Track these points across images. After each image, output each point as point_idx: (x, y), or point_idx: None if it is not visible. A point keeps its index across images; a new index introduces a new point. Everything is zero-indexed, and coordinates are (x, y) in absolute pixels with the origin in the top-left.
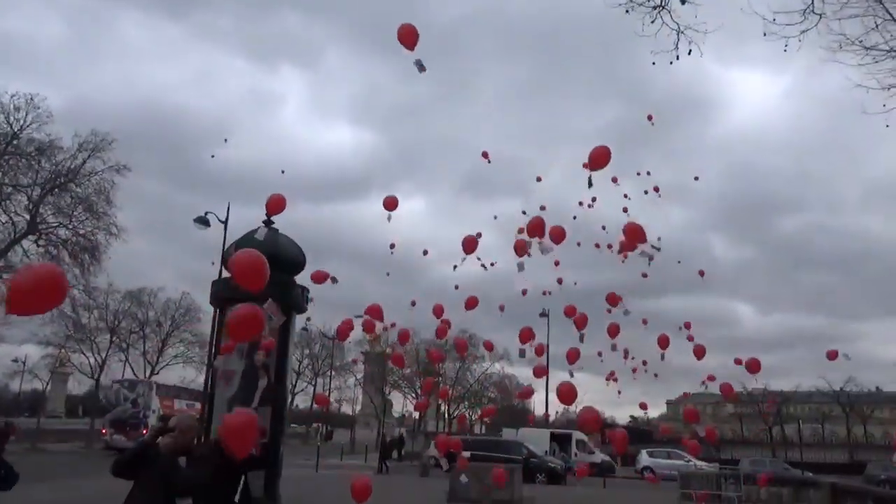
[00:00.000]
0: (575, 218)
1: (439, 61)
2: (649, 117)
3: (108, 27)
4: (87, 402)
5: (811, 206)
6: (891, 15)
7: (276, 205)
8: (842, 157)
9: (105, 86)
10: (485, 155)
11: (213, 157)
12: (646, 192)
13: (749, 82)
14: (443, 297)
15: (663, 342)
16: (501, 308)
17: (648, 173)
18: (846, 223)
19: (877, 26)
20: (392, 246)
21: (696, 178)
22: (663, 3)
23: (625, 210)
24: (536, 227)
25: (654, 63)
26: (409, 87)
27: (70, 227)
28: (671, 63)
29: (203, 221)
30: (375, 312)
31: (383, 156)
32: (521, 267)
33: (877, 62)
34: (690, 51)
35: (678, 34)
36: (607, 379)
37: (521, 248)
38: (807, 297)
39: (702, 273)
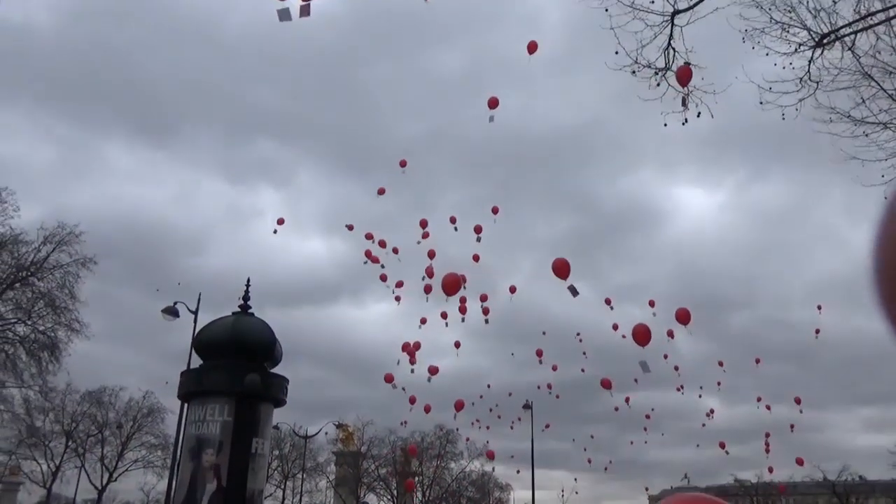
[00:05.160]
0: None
1: (401, 177)
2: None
3: (94, 153)
4: None
5: (760, 303)
6: (880, 87)
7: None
8: (782, 261)
9: (85, 201)
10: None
11: (178, 284)
12: None
13: (688, 197)
14: (419, 394)
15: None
16: (484, 406)
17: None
18: (795, 318)
19: (864, 101)
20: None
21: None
22: (667, 66)
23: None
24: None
25: (665, 125)
26: (376, 202)
27: (29, 322)
28: (682, 124)
29: (172, 312)
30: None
31: (353, 263)
32: (573, 291)
33: (868, 135)
34: (699, 113)
35: (686, 97)
36: None
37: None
38: (768, 388)
39: (673, 365)
